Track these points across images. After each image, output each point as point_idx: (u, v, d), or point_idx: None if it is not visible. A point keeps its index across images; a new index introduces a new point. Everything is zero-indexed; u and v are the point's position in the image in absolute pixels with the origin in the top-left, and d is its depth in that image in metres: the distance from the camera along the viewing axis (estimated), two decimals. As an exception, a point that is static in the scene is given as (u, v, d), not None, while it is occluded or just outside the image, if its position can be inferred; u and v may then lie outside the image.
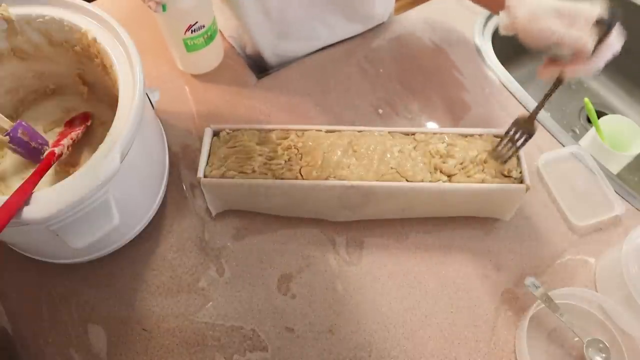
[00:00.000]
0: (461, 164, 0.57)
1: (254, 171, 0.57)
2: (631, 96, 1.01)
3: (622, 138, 0.85)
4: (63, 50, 0.58)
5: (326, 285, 0.58)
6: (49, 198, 0.43)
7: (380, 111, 0.72)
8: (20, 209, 0.42)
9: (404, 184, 0.56)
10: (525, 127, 0.56)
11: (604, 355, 0.53)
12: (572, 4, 0.49)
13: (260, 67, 0.83)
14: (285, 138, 0.60)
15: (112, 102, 0.55)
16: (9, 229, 0.42)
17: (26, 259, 0.56)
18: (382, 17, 0.82)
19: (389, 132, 0.61)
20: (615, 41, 0.49)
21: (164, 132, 0.65)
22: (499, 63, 0.80)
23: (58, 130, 0.64)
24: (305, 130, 0.61)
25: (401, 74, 0.77)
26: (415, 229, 0.62)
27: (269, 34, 0.76)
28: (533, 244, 0.61)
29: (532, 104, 0.74)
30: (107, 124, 0.62)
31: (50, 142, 0.60)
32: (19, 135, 0.55)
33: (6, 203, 0.42)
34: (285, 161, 0.58)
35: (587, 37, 0.47)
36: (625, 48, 0.49)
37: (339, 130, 0.61)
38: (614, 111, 1.00)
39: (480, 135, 0.60)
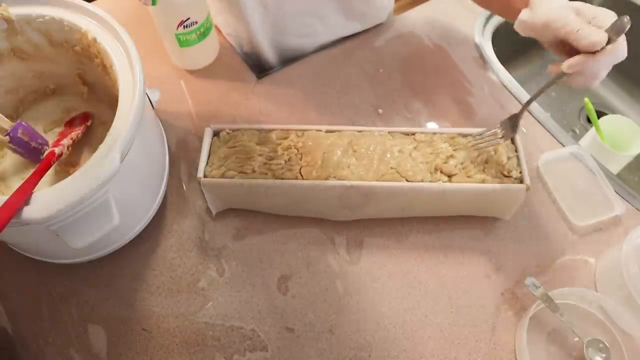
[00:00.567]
0: (461, 164, 0.57)
1: (254, 171, 0.57)
2: (631, 96, 1.01)
3: (622, 138, 0.85)
4: (63, 50, 0.58)
5: (326, 285, 0.58)
6: (49, 198, 0.43)
7: (380, 111, 0.72)
8: (20, 209, 0.42)
9: (404, 184, 0.56)
10: (509, 124, 0.57)
11: (604, 355, 0.53)
12: (591, 6, 0.51)
13: (260, 66, 0.83)
14: (285, 138, 0.60)
15: (112, 102, 0.55)
16: (9, 229, 0.42)
17: (26, 259, 0.56)
18: (380, 16, 0.82)
19: (389, 132, 0.61)
20: (622, 48, 0.49)
21: (164, 132, 0.65)
22: (499, 63, 0.80)
23: (58, 130, 0.64)
24: (305, 130, 0.61)
25: (401, 74, 0.77)
26: (415, 229, 0.62)
27: (267, 28, 0.76)
28: (533, 244, 0.61)
29: (532, 104, 0.74)
30: (107, 124, 0.62)
31: (50, 142, 0.60)
32: (19, 135, 0.55)
33: (6, 203, 0.42)
34: (285, 161, 0.58)
35: (603, 33, 0.48)
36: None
37: (339, 130, 0.61)
38: (614, 111, 1.00)
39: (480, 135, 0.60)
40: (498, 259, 0.60)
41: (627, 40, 0.50)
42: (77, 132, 0.60)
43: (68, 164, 0.60)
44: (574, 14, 0.51)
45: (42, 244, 0.54)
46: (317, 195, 0.57)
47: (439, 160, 0.58)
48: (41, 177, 0.50)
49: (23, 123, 0.56)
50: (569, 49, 0.52)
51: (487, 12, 0.87)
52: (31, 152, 0.57)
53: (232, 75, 0.76)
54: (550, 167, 0.67)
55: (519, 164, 0.58)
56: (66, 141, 0.57)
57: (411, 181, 0.56)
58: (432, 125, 0.71)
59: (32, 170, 0.52)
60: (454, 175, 0.57)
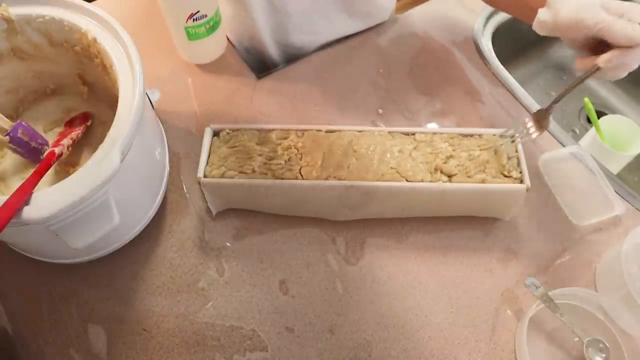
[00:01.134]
0: (462, 164, 0.57)
1: (254, 171, 0.57)
2: (631, 96, 1.01)
3: (622, 138, 0.85)
4: (63, 50, 0.58)
5: (326, 285, 0.58)
6: (49, 198, 0.43)
7: (380, 111, 0.72)
8: (20, 209, 0.42)
9: (404, 183, 0.56)
10: (538, 121, 0.57)
11: (604, 355, 0.53)
12: (617, 1, 0.50)
13: (260, 64, 0.83)
14: (285, 138, 0.60)
15: (112, 102, 0.55)
16: (9, 229, 0.42)
17: (26, 259, 0.56)
18: (383, 15, 0.82)
19: (389, 132, 0.61)
20: None
21: (164, 132, 0.65)
22: (499, 63, 0.80)
23: (58, 130, 0.64)
24: (305, 130, 0.61)
25: (401, 73, 0.77)
26: (415, 229, 0.62)
27: (271, 24, 0.76)
28: (533, 244, 0.61)
29: (532, 104, 0.74)
30: (107, 124, 0.62)
31: (50, 142, 0.60)
32: (19, 135, 0.55)
33: (6, 203, 0.42)
34: (285, 161, 0.58)
35: (637, 26, 0.48)
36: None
37: (339, 130, 0.61)
38: (614, 111, 1.00)
39: (480, 135, 0.60)
40: (498, 259, 0.60)
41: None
42: (77, 132, 0.60)
43: (68, 164, 0.60)
44: (604, 10, 0.50)
45: (42, 244, 0.54)
46: (317, 195, 0.57)
47: (439, 160, 0.58)
48: (41, 177, 0.50)
49: (23, 123, 0.56)
50: (596, 44, 0.52)
51: (487, 12, 0.87)
52: (31, 152, 0.57)
53: (232, 75, 0.76)
54: (550, 167, 0.67)
55: (519, 164, 0.57)
56: (66, 141, 0.57)
57: (411, 181, 0.56)
58: (432, 125, 0.71)
59: (32, 170, 0.52)
60: (454, 175, 0.57)
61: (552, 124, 0.72)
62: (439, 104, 0.74)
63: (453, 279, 0.58)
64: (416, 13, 0.86)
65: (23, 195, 0.43)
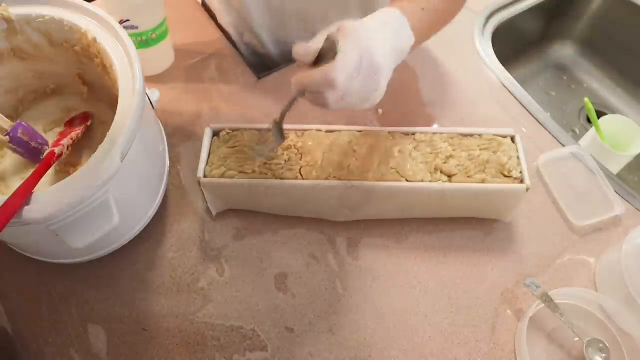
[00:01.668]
0: (462, 164, 0.57)
1: (254, 171, 0.57)
2: (631, 96, 1.01)
3: (622, 138, 0.85)
4: (63, 50, 0.58)
5: (326, 285, 0.58)
6: (49, 198, 0.43)
7: (380, 111, 0.72)
8: (20, 209, 0.42)
9: (404, 184, 0.56)
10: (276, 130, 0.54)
11: (604, 355, 0.53)
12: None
13: (260, 64, 0.83)
14: (285, 138, 0.60)
15: (112, 102, 0.55)
16: (9, 229, 0.42)
17: (26, 259, 0.56)
18: None
19: (389, 132, 0.61)
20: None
21: (163, 132, 0.65)
22: (499, 63, 0.80)
23: (58, 130, 0.64)
24: (305, 130, 0.61)
25: (400, 73, 0.77)
26: (415, 229, 0.62)
27: (267, 22, 0.76)
28: (533, 244, 0.61)
29: (532, 104, 0.74)
30: (107, 124, 0.62)
31: (50, 142, 0.60)
32: (19, 135, 0.55)
33: (6, 203, 0.42)
34: (285, 161, 0.58)
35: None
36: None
37: (339, 130, 0.61)
38: (614, 111, 1.00)
39: (480, 135, 0.60)
40: (498, 259, 0.60)
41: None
42: (77, 132, 0.60)
43: (68, 164, 0.60)
44: None
45: (42, 244, 0.54)
46: (317, 195, 0.57)
47: (439, 160, 0.58)
48: (41, 177, 0.50)
49: (23, 123, 0.56)
50: None
51: (487, 12, 0.87)
52: (31, 152, 0.57)
53: (232, 75, 0.76)
54: (550, 167, 0.67)
55: (519, 164, 0.57)
56: (66, 141, 0.57)
57: (411, 181, 0.56)
58: (432, 125, 0.71)
59: (32, 170, 0.52)
60: (454, 175, 0.57)
61: (552, 124, 0.72)
62: (438, 103, 0.74)
63: (453, 279, 0.58)
64: (416, 13, 0.86)
65: (23, 195, 0.43)
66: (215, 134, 0.61)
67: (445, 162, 0.57)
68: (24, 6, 0.55)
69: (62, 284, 0.58)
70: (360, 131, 0.61)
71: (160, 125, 0.65)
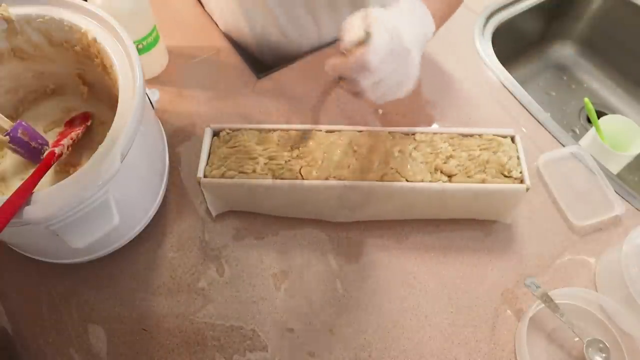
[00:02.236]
0: (462, 164, 0.57)
1: (254, 171, 0.57)
2: (631, 96, 1.01)
3: (622, 138, 0.85)
4: (63, 50, 0.58)
5: (326, 285, 0.58)
6: (49, 198, 0.43)
7: (380, 111, 0.72)
8: (20, 209, 0.42)
9: (404, 184, 0.56)
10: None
11: (604, 355, 0.53)
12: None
13: (260, 64, 0.83)
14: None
15: (112, 102, 0.55)
16: (9, 229, 0.42)
17: (26, 259, 0.56)
18: None
19: (389, 132, 0.61)
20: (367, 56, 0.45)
21: (164, 132, 0.65)
22: (499, 63, 0.80)
23: (58, 130, 0.64)
24: (306, 130, 0.61)
25: (401, 74, 0.77)
26: (415, 229, 0.62)
27: (261, 20, 0.76)
28: (533, 244, 0.61)
29: (532, 104, 0.74)
30: (107, 124, 0.62)
31: (50, 142, 0.60)
32: (19, 135, 0.55)
33: (6, 203, 0.42)
34: (286, 161, 0.58)
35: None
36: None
37: (339, 130, 0.61)
38: (614, 111, 1.00)
39: (480, 135, 0.60)
40: (498, 259, 0.60)
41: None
42: (77, 132, 0.60)
43: (68, 164, 0.60)
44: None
45: (42, 244, 0.54)
46: (317, 195, 0.57)
47: (439, 160, 0.58)
48: (41, 177, 0.50)
49: (23, 123, 0.56)
50: None
51: (487, 12, 0.87)
52: (31, 152, 0.57)
53: (232, 75, 0.76)
54: (550, 167, 0.67)
55: (519, 164, 0.57)
56: (66, 141, 0.57)
57: (411, 181, 0.56)
58: (432, 125, 0.71)
59: (32, 170, 0.52)
60: (454, 175, 0.57)
61: (552, 124, 0.72)
62: (438, 103, 0.74)
63: (453, 279, 0.58)
64: (416, 13, 0.86)
65: (23, 195, 0.43)
66: (215, 134, 0.61)
67: (445, 162, 0.57)
68: (24, 6, 0.55)
69: (62, 284, 0.58)
70: (360, 131, 0.61)
71: (160, 125, 0.65)
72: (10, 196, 0.42)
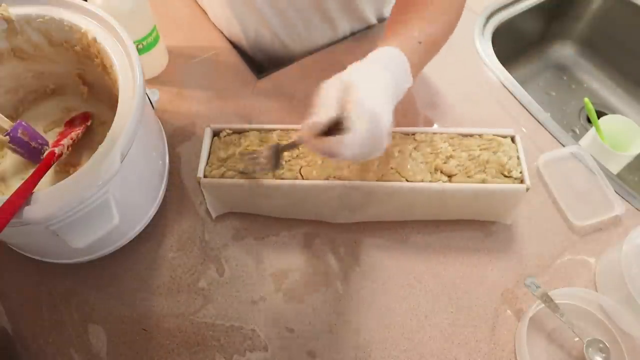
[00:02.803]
0: (462, 164, 0.57)
1: (254, 171, 0.57)
2: (631, 96, 1.01)
3: (622, 138, 0.85)
4: (63, 50, 0.58)
5: (326, 285, 0.58)
6: (49, 198, 0.43)
7: (380, 111, 0.72)
8: (20, 209, 0.42)
9: (404, 184, 0.56)
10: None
11: (604, 355, 0.53)
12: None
13: (260, 65, 0.83)
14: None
15: (112, 102, 0.55)
16: (9, 229, 0.42)
17: (26, 259, 0.56)
18: (370, 21, 0.82)
19: (389, 132, 0.61)
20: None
21: (164, 132, 0.65)
22: (499, 63, 0.80)
23: (58, 130, 0.64)
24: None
25: (401, 74, 0.77)
26: (415, 230, 0.62)
27: (254, 24, 0.76)
28: (533, 244, 0.61)
29: (532, 104, 0.74)
30: (107, 124, 0.62)
31: (50, 142, 0.60)
32: (19, 135, 0.55)
33: (6, 203, 0.42)
34: (286, 161, 0.58)
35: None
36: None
37: (339, 130, 0.61)
38: (614, 111, 1.00)
39: (480, 135, 0.60)
40: (498, 259, 0.60)
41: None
42: (77, 132, 0.60)
43: (68, 164, 0.60)
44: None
45: (42, 244, 0.54)
46: (317, 195, 0.57)
47: (439, 160, 0.58)
48: (41, 177, 0.50)
49: (23, 123, 0.56)
50: None
51: (487, 12, 0.87)
52: (31, 152, 0.57)
53: (232, 75, 0.76)
54: (550, 167, 0.67)
55: (519, 164, 0.57)
56: (66, 141, 0.57)
57: (411, 181, 0.56)
58: (432, 125, 0.71)
59: (32, 170, 0.52)
60: (454, 175, 0.57)
61: (552, 124, 0.72)
62: (438, 104, 0.74)
63: (453, 279, 0.58)
64: (416, 13, 0.86)
65: (23, 195, 0.43)
66: (215, 134, 0.61)
67: (445, 162, 0.57)
68: (24, 6, 0.55)
69: (62, 284, 0.58)
70: (360, 131, 0.61)
71: (160, 125, 0.65)
72: (10, 196, 0.42)
